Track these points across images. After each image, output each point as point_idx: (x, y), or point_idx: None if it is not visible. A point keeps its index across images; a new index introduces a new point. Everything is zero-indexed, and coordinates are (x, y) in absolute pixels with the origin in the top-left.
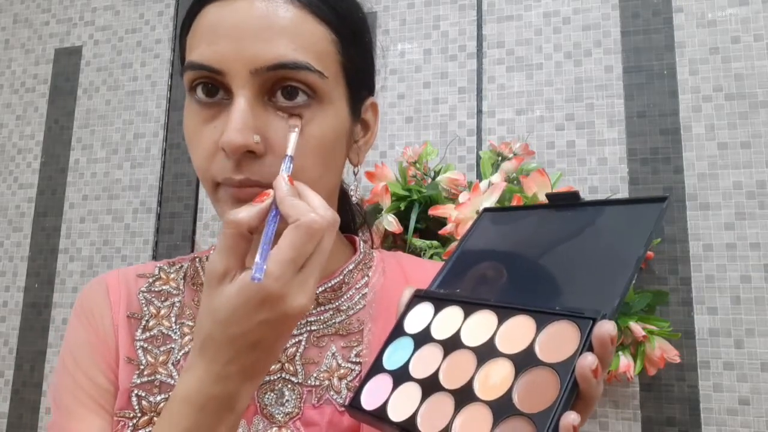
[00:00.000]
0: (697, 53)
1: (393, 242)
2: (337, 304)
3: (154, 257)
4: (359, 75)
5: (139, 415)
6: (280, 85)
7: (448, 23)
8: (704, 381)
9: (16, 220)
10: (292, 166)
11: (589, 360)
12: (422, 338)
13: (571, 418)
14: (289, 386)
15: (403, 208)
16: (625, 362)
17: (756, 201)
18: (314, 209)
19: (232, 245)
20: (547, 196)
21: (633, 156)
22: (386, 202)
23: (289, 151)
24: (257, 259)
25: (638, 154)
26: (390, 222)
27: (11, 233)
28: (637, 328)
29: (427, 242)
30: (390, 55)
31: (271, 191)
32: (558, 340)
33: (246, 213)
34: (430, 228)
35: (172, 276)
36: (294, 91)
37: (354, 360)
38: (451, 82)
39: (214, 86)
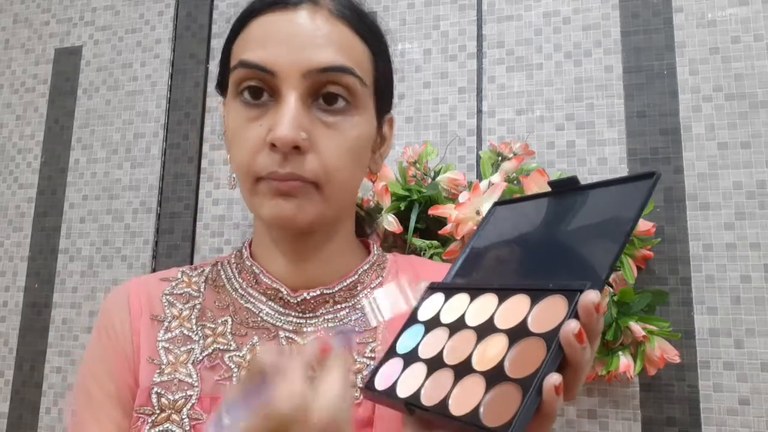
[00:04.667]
0: (697, 53)
1: (393, 242)
2: (352, 302)
3: (154, 257)
4: (386, 89)
5: (157, 411)
6: (324, 90)
7: (448, 23)
8: (704, 381)
9: (16, 220)
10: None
11: (572, 325)
12: (432, 324)
13: (553, 379)
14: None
15: (403, 208)
16: (625, 362)
17: (756, 201)
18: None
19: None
20: (549, 184)
21: (633, 156)
22: (386, 202)
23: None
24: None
25: (638, 154)
26: (390, 222)
27: (11, 233)
28: (637, 328)
29: (427, 242)
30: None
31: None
32: (549, 313)
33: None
34: (430, 228)
35: (194, 280)
36: (335, 97)
37: (369, 356)
38: (451, 82)
39: (260, 89)
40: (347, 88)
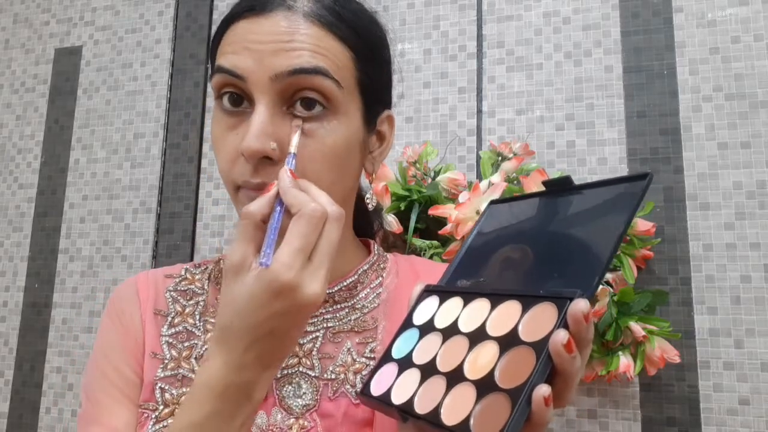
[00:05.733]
0: (697, 53)
1: (393, 242)
2: (352, 302)
3: (154, 257)
4: (375, 90)
5: (161, 407)
6: (299, 96)
7: (448, 23)
8: (704, 381)
9: (16, 220)
10: (294, 162)
11: (560, 335)
12: (426, 328)
13: (542, 390)
14: (307, 379)
15: (403, 208)
16: (625, 362)
17: (756, 201)
18: (316, 200)
19: (247, 235)
20: (543, 183)
21: (633, 156)
22: (386, 202)
23: (292, 149)
24: (264, 246)
25: (638, 154)
26: (390, 222)
27: (11, 233)
28: (637, 328)
29: (427, 242)
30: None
31: (276, 181)
32: (539, 321)
33: (257, 203)
34: (430, 228)
35: (198, 277)
36: (311, 102)
37: (368, 356)
38: (451, 82)
39: (239, 96)
40: (322, 92)
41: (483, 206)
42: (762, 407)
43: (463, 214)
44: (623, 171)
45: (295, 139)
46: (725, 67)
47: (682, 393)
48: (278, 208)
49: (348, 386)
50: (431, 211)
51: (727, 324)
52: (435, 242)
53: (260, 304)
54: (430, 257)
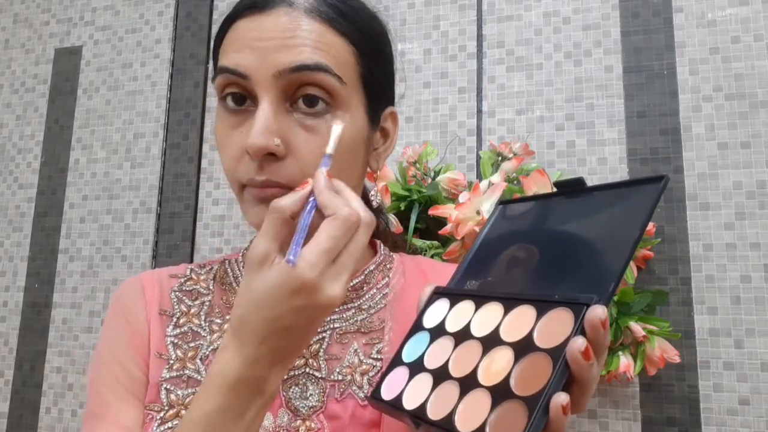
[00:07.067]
0: (697, 53)
1: (393, 243)
2: (358, 303)
3: (154, 257)
4: (378, 86)
5: (166, 408)
6: (302, 93)
7: (448, 23)
8: (704, 381)
9: (16, 220)
10: (331, 162)
11: (578, 343)
12: (437, 332)
13: (560, 398)
14: (313, 381)
15: (403, 208)
16: (625, 362)
17: (756, 201)
18: (350, 205)
19: (274, 230)
20: (555, 184)
21: (633, 156)
22: (386, 202)
23: (329, 150)
24: (292, 243)
25: (638, 154)
26: (390, 222)
27: (11, 233)
28: (637, 328)
29: (427, 242)
30: None
31: (310, 180)
32: (554, 327)
33: (288, 199)
34: (430, 228)
35: (203, 277)
36: (314, 99)
37: (375, 357)
38: (451, 82)
39: (242, 95)
40: (325, 88)
41: (483, 206)
42: (762, 407)
43: (463, 214)
44: (623, 171)
45: (333, 139)
46: (725, 67)
47: (682, 393)
48: (310, 207)
49: (355, 387)
50: (431, 211)
51: (727, 324)
52: (435, 242)
53: (279, 299)
54: (431, 257)
